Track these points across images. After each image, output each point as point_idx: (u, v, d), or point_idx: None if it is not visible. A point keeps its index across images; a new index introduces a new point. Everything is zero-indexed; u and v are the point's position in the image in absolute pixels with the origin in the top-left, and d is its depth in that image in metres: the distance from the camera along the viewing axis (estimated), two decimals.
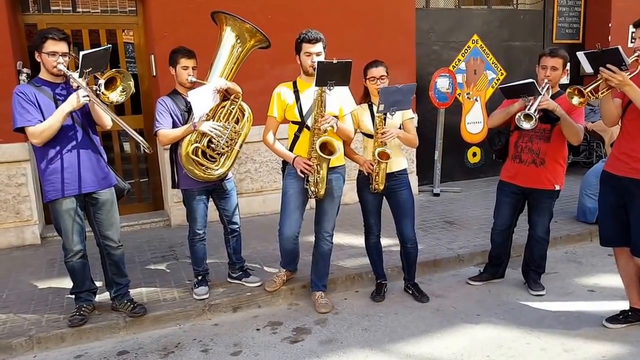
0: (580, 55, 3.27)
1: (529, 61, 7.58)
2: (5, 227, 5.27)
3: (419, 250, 4.06)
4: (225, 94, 3.73)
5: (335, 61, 3.26)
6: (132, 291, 3.87)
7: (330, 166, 3.61)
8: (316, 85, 3.37)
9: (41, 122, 3.23)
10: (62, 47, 3.25)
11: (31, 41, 4.65)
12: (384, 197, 3.92)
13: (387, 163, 3.67)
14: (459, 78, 7.00)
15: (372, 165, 3.70)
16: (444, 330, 3.58)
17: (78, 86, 3.19)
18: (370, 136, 3.79)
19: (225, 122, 3.71)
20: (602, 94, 3.19)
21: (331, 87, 3.36)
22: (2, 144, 5.09)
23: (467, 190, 7.12)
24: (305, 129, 3.66)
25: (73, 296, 3.71)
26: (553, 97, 3.70)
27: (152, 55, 5.60)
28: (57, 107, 3.30)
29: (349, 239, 5.06)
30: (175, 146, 3.75)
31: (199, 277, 4.01)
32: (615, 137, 3.48)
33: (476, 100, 7.16)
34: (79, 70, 3.16)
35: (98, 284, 3.87)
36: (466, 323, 3.67)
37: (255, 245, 5.03)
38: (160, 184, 6.09)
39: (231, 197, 4.00)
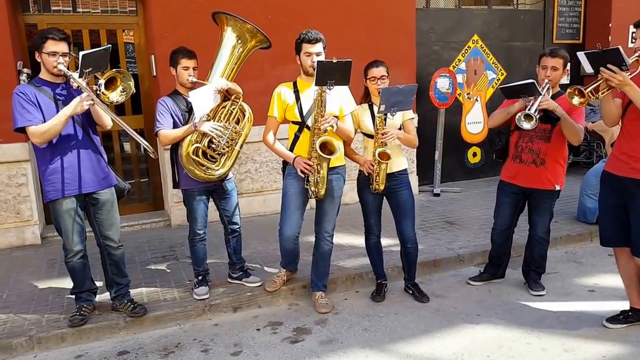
0: (581, 55, 3.28)
1: (529, 61, 7.58)
2: (6, 227, 5.27)
3: (419, 250, 4.06)
4: (226, 95, 3.73)
5: (335, 60, 3.26)
6: (132, 291, 3.87)
7: (330, 166, 3.61)
8: (316, 84, 3.37)
9: (42, 122, 3.23)
10: (63, 47, 3.25)
11: (31, 41, 4.65)
12: (384, 197, 3.92)
13: (387, 163, 3.67)
14: (459, 78, 7.00)
15: (373, 166, 3.70)
16: (445, 330, 3.58)
17: (78, 86, 3.19)
18: (370, 136, 3.79)
19: (225, 122, 3.71)
20: (602, 94, 3.19)
21: (331, 87, 3.36)
22: (2, 144, 5.09)
23: (467, 191, 7.12)
24: (305, 129, 3.66)
25: (73, 296, 3.71)
26: (553, 97, 3.70)
27: (153, 56, 5.60)
28: (57, 107, 3.31)
29: (349, 239, 5.06)
30: (175, 146, 3.75)
31: (199, 277, 4.01)
32: (616, 137, 3.48)
33: (476, 100, 7.16)
34: (79, 70, 3.16)
35: (98, 284, 3.88)
36: (466, 323, 3.67)
37: (255, 245, 5.03)
38: (161, 184, 6.09)
39: (231, 197, 4.00)
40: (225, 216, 4.04)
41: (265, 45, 3.83)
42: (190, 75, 3.72)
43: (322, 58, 3.51)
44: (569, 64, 3.83)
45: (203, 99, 3.60)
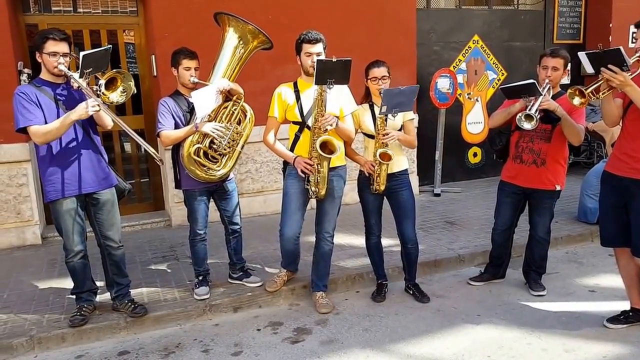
0: (582, 55, 3.28)
1: (529, 61, 7.58)
2: (6, 227, 5.27)
3: (419, 250, 4.06)
4: (227, 95, 3.73)
5: (334, 59, 3.26)
6: (132, 291, 3.87)
7: (331, 166, 3.61)
8: (316, 83, 3.37)
9: (43, 122, 3.23)
10: (63, 47, 3.25)
11: (32, 41, 4.65)
12: (385, 198, 3.91)
13: (388, 164, 3.67)
14: (460, 78, 7.00)
15: (373, 166, 3.70)
16: (445, 330, 3.58)
17: (79, 87, 3.19)
18: (371, 136, 3.79)
19: (227, 123, 3.71)
20: (603, 94, 3.18)
21: (331, 86, 3.36)
22: (3, 144, 5.09)
23: (467, 191, 7.12)
24: (305, 129, 3.66)
25: (74, 296, 3.71)
26: (554, 97, 3.69)
27: (153, 56, 5.60)
28: (57, 107, 3.31)
29: (349, 239, 5.06)
30: (177, 147, 3.75)
31: (200, 278, 4.01)
32: (616, 137, 3.48)
33: (477, 100, 7.16)
34: (79, 70, 3.16)
35: (99, 284, 3.88)
36: (467, 323, 3.67)
37: (256, 245, 5.03)
38: (161, 184, 6.09)
39: (232, 197, 4.00)
40: (225, 216, 4.04)
41: (267, 46, 3.84)
42: (192, 76, 3.72)
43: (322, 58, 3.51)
44: (569, 64, 3.83)
45: (205, 100, 3.60)
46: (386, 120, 3.64)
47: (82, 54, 3.12)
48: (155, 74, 5.66)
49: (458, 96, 6.94)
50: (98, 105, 3.15)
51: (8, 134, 4.48)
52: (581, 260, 4.77)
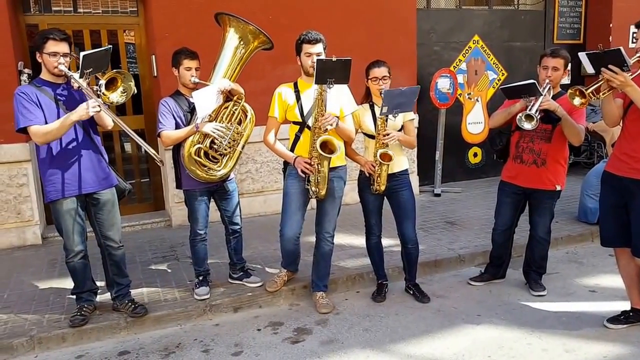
0: (582, 55, 3.27)
1: (529, 61, 7.58)
2: (7, 227, 5.27)
3: (420, 250, 4.06)
4: (228, 95, 3.73)
5: (334, 59, 3.26)
6: (133, 291, 3.87)
7: (331, 166, 3.61)
8: (316, 83, 3.37)
9: (44, 122, 3.23)
10: (63, 47, 3.25)
11: (32, 41, 4.64)
12: (385, 198, 3.91)
13: (388, 165, 3.67)
14: (460, 78, 7.00)
15: (374, 167, 3.70)
16: (445, 330, 3.58)
17: (79, 87, 3.19)
18: (371, 136, 3.79)
19: (227, 123, 3.71)
20: (603, 94, 3.18)
21: (331, 85, 3.36)
22: (3, 144, 5.09)
23: (468, 191, 7.12)
24: (306, 129, 3.66)
25: (74, 296, 3.71)
26: (554, 97, 3.69)
27: (153, 56, 5.60)
28: (57, 107, 3.31)
29: (349, 239, 5.06)
30: (178, 147, 3.75)
31: (200, 278, 4.02)
32: (616, 137, 3.48)
33: (477, 100, 7.15)
34: (79, 70, 3.16)
35: (99, 284, 3.88)
36: (467, 323, 3.67)
37: (256, 245, 5.03)
38: (161, 185, 6.10)
39: (233, 197, 4.00)
40: (226, 216, 4.04)
41: (267, 46, 3.84)
42: (193, 76, 3.72)
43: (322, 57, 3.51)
44: (569, 65, 3.83)
45: (206, 100, 3.60)
46: (386, 120, 3.64)
47: (82, 54, 3.12)
48: (155, 74, 5.66)
49: (458, 96, 6.95)
50: (98, 105, 3.15)
51: (8, 134, 4.48)
52: (581, 261, 4.77)
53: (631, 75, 3.04)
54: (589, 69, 3.28)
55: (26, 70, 5.12)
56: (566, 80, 7.25)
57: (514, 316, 3.75)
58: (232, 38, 3.75)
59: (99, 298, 3.85)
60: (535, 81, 3.57)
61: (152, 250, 5.07)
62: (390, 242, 4.61)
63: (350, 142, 3.83)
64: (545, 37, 7.92)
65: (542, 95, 3.54)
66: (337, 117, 3.57)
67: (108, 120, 3.43)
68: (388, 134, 3.63)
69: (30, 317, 3.73)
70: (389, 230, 4.29)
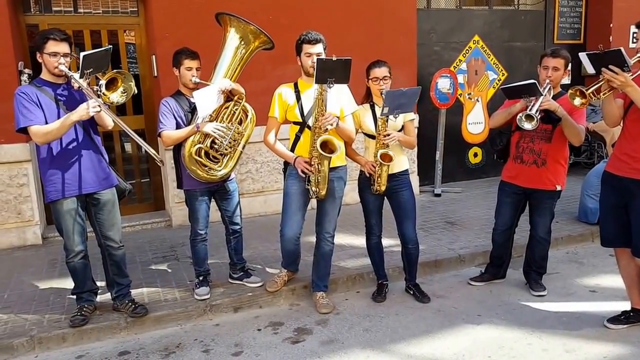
0: (583, 56, 3.27)
1: (530, 62, 7.58)
2: (7, 227, 5.27)
3: (420, 250, 4.06)
4: (228, 95, 3.73)
5: (334, 58, 3.26)
6: (133, 291, 3.87)
7: (331, 166, 3.61)
8: (316, 82, 3.37)
9: (44, 122, 3.23)
10: (64, 47, 3.25)
11: (33, 42, 4.66)
12: (385, 198, 3.91)
13: (389, 165, 3.67)
14: (460, 78, 7.00)
15: (374, 167, 3.70)
16: (445, 330, 3.58)
17: (79, 87, 3.19)
18: (371, 137, 3.79)
19: (228, 123, 3.71)
20: (604, 94, 3.18)
21: (331, 85, 3.36)
22: (3, 145, 5.09)
23: (468, 191, 7.12)
24: (306, 129, 3.66)
25: (74, 296, 3.71)
26: (555, 97, 3.69)
27: (154, 56, 5.60)
28: (58, 107, 3.31)
29: (350, 240, 5.06)
30: (179, 146, 3.76)
31: (200, 278, 4.02)
32: (617, 137, 3.48)
33: (477, 100, 7.15)
34: (79, 71, 3.16)
35: (99, 284, 3.88)
36: (467, 323, 3.67)
37: (256, 245, 5.03)
38: (162, 185, 6.10)
39: (233, 197, 4.00)
40: (226, 216, 4.04)
41: (268, 46, 3.84)
42: (194, 76, 3.73)
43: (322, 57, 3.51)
44: (570, 65, 3.83)
45: (207, 100, 3.60)
46: (387, 121, 3.64)
47: (82, 54, 3.12)
48: (155, 74, 5.66)
49: (458, 96, 6.95)
50: (99, 105, 3.15)
51: (9, 134, 4.48)
52: (582, 261, 4.77)
53: (632, 75, 3.04)
54: (590, 69, 3.28)
55: (26, 71, 5.13)
56: (566, 80, 7.25)
57: (514, 316, 3.75)
58: (232, 38, 3.75)
59: (99, 298, 3.85)
60: (535, 81, 3.57)
61: (153, 251, 5.07)
62: (390, 242, 4.61)
63: (351, 142, 3.83)
64: (546, 37, 7.92)
65: (542, 95, 3.54)
66: (337, 117, 3.57)
67: (108, 120, 3.44)
68: (388, 135, 3.63)
69: (31, 317, 3.73)
70: (389, 230, 4.29)
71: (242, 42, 3.75)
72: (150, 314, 3.71)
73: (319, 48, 3.58)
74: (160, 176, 6.06)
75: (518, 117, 3.53)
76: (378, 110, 3.70)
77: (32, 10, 5.48)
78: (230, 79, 3.72)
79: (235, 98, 3.74)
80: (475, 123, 7.09)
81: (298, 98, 3.67)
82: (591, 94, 3.19)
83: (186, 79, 3.74)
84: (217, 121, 3.68)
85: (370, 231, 4.01)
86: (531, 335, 3.48)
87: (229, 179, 3.92)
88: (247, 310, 3.97)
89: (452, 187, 7.28)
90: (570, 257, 4.87)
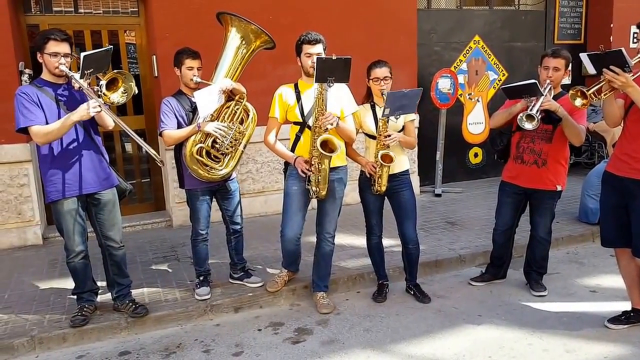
0: (584, 56, 3.27)
1: (530, 62, 7.58)
2: (7, 227, 5.28)
3: (420, 250, 4.06)
4: (229, 95, 3.73)
5: (334, 57, 3.26)
6: (133, 291, 3.87)
7: (332, 166, 3.61)
8: (316, 81, 3.37)
9: (44, 122, 3.23)
10: (64, 48, 3.25)
11: (33, 42, 4.65)
12: (386, 198, 3.91)
13: (389, 166, 3.67)
14: (461, 79, 7.00)
15: (375, 168, 3.70)
16: (446, 330, 3.58)
17: (80, 87, 3.19)
18: (372, 137, 3.79)
19: (229, 122, 3.71)
20: (605, 95, 3.18)
21: (331, 84, 3.36)
22: (4, 145, 5.09)
23: (468, 191, 7.12)
24: (306, 130, 3.66)
25: (75, 296, 3.71)
26: (555, 97, 3.69)
27: (154, 56, 5.60)
28: (58, 107, 3.31)
29: (350, 240, 5.06)
30: (180, 146, 3.76)
31: (201, 278, 4.02)
32: (617, 137, 3.48)
33: (478, 100, 7.16)
34: (80, 71, 3.16)
35: (100, 284, 3.88)
36: (468, 324, 3.67)
37: (256, 245, 5.03)
38: (162, 185, 6.10)
39: (234, 197, 4.00)
40: (227, 216, 4.04)
41: (269, 46, 3.84)
42: (195, 76, 3.73)
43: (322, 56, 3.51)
44: (570, 65, 3.83)
45: (208, 99, 3.61)
46: (388, 121, 3.64)
47: (83, 54, 3.12)
48: (156, 75, 5.66)
49: (459, 96, 6.95)
50: (99, 106, 3.15)
51: (9, 134, 4.48)
52: (582, 261, 4.77)
53: (632, 76, 3.04)
54: (590, 69, 3.28)
55: (27, 71, 5.13)
56: (567, 80, 7.26)
57: (515, 316, 3.75)
58: (234, 38, 3.75)
59: (99, 298, 3.85)
60: (536, 81, 3.57)
61: (153, 251, 5.07)
62: (391, 242, 4.61)
63: (351, 143, 3.83)
64: (546, 37, 7.92)
65: (543, 95, 3.54)
66: (337, 117, 3.57)
67: (109, 120, 3.44)
68: (389, 135, 3.63)
69: (31, 317, 3.73)
70: (390, 230, 4.29)
71: (243, 42, 3.76)
72: (150, 314, 3.72)
73: (318, 48, 3.58)
74: (160, 176, 6.06)
75: (519, 117, 3.53)
76: (379, 111, 3.70)
77: (32, 10, 5.48)
78: (232, 79, 3.72)
79: (237, 98, 3.74)
80: (476, 123, 7.10)
81: (298, 98, 3.68)
82: (592, 95, 3.19)
83: (187, 78, 3.74)
84: (218, 121, 3.69)
85: (371, 231, 4.01)
86: (532, 336, 3.48)
87: (230, 178, 3.92)
88: (247, 310, 3.97)
89: (452, 187, 7.28)
90: (571, 257, 4.87)
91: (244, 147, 3.79)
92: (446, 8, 7.43)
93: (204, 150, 3.67)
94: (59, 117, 3.26)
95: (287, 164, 3.83)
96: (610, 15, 7.81)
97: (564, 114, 3.56)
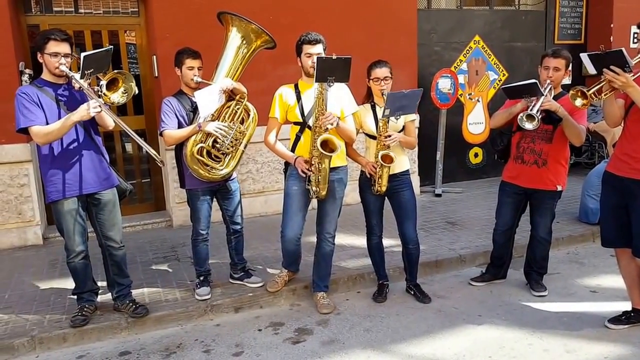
0: (584, 56, 3.27)
1: (530, 62, 7.58)
2: (8, 227, 5.28)
3: (420, 250, 4.06)
4: (230, 94, 3.73)
5: (334, 57, 3.26)
6: (134, 292, 3.87)
7: (332, 166, 3.61)
8: (316, 81, 3.37)
9: (45, 122, 3.23)
10: (65, 48, 3.25)
11: (33, 42, 4.65)
12: (386, 198, 3.91)
13: (390, 166, 3.67)
14: (461, 79, 7.00)
15: (375, 168, 3.70)
16: (446, 331, 3.58)
17: (80, 87, 3.20)
18: (372, 137, 3.79)
19: (230, 122, 3.72)
20: (605, 95, 3.18)
21: (331, 84, 3.36)
22: (4, 145, 5.09)
23: (468, 191, 7.12)
24: (307, 130, 3.66)
25: (75, 297, 3.71)
26: (556, 97, 3.69)
27: (154, 56, 5.61)
28: (58, 107, 3.31)
29: (350, 240, 5.06)
30: (181, 146, 3.76)
31: (201, 278, 4.02)
32: (617, 137, 3.48)
33: (478, 101, 7.16)
34: (80, 71, 3.16)
35: (100, 284, 3.88)
36: (468, 324, 3.67)
37: (257, 245, 5.03)
38: (162, 185, 6.10)
39: (235, 197, 4.00)
40: (227, 216, 4.04)
41: (270, 46, 3.84)
42: (195, 75, 3.73)
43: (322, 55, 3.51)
44: (571, 65, 3.83)
45: (208, 99, 3.61)
46: (388, 121, 3.64)
47: (83, 54, 3.12)
48: (156, 75, 5.66)
49: (459, 96, 6.95)
50: (99, 106, 3.15)
51: (9, 134, 4.48)
52: (582, 261, 4.77)
53: (633, 76, 3.04)
54: (591, 69, 3.29)
55: (27, 71, 5.13)
56: (567, 80, 7.26)
57: (515, 316, 3.74)
58: (234, 37, 3.75)
59: (100, 298, 3.85)
60: (536, 81, 3.57)
61: (153, 251, 5.07)
62: (391, 243, 4.61)
63: (351, 143, 3.83)
64: (546, 37, 7.92)
65: (543, 95, 3.54)
66: (337, 117, 3.57)
67: (109, 120, 3.44)
68: (389, 136, 3.63)
69: (31, 317, 3.73)
70: (390, 230, 4.29)
71: (244, 42, 3.76)
72: (151, 314, 3.72)
73: (318, 48, 3.58)
74: (160, 176, 6.06)
75: (519, 117, 3.53)
76: (379, 111, 3.70)
77: (32, 10, 5.48)
78: (232, 79, 3.73)
79: (237, 97, 3.74)
80: (476, 123, 7.10)
81: (298, 98, 3.68)
82: (592, 95, 3.19)
83: (188, 78, 3.75)
84: (218, 120, 3.69)
85: (371, 231, 4.01)
86: (532, 336, 3.48)
87: (231, 178, 3.92)
88: (247, 310, 3.97)
89: (452, 187, 7.28)
90: (571, 258, 4.87)
91: (245, 147, 3.79)
92: (446, 8, 7.43)
93: (205, 150, 3.67)
94: (59, 117, 3.26)
95: (287, 164, 3.83)
96: (610, 15, 7.81)
97: (564, 114, 3.56)
